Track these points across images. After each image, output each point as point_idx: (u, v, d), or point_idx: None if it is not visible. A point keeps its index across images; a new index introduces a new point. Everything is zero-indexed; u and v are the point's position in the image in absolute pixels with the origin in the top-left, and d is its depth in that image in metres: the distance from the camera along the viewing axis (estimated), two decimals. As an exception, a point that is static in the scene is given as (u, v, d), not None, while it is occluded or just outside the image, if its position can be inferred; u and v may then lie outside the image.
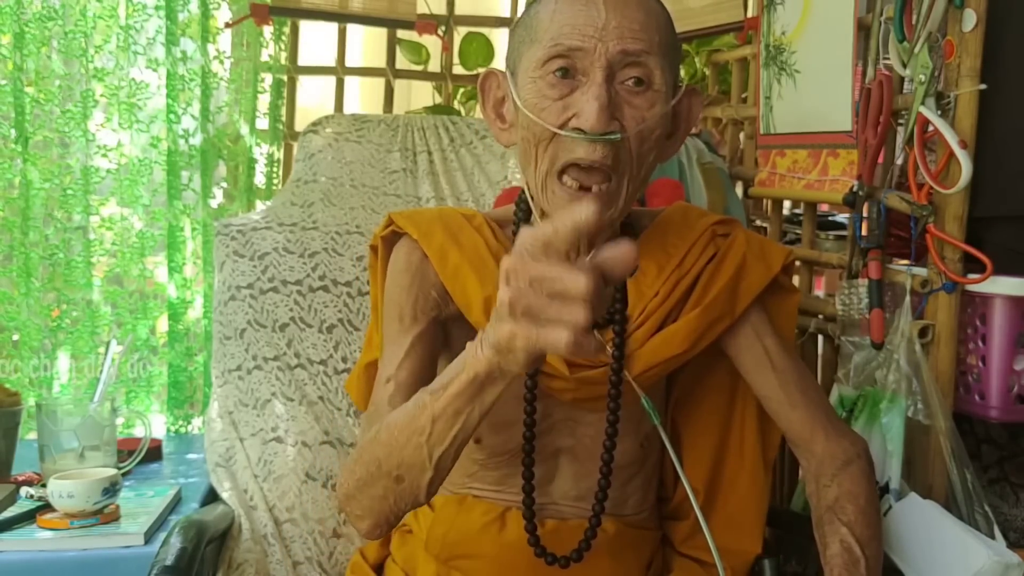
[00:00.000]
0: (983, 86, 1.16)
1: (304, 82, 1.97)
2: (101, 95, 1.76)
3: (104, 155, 1.78)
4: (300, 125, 1.91)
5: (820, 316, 1.45)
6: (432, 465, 0.81)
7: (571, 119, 0.93)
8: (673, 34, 0.98)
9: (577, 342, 0.60)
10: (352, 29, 1.97)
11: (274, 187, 1.93)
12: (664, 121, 0.97)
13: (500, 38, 1.98)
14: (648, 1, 0.96)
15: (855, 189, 1.30)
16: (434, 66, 2.01)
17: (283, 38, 1.91)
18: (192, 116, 1.82)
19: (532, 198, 1.03)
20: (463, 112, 2.01)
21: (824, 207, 1.70)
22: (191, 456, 1.64)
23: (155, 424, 1.68)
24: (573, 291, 0.59)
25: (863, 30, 1.35)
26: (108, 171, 1.78)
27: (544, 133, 0.94)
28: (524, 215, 1.07)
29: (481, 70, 1.94)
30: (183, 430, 1.84)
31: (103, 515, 1.24)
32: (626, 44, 0.92)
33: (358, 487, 0.89)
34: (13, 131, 1.71)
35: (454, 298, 1.04)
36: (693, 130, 1.68)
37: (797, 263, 1.48)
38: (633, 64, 0.93)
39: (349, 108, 2.00)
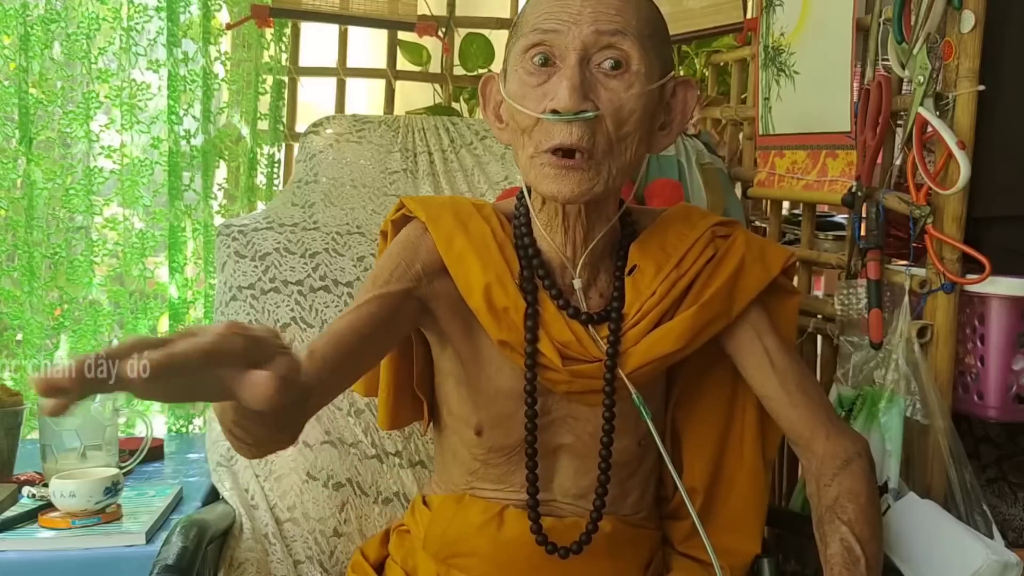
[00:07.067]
0: (982, 87, 1.17)
1: (305, 83, 1.98)
2: (104, 96, 1.77)
3: (108, 156, 1.79)
4: (301, 126, 1.92)
5: (819, 316, 1.45)
6: None
7: (549, 104, 0.95)
8: (656, 20, 1.00)
9: None
10: (353, 30, 1.98)
11: (274, 188, 1.93)
12: (646, 104, 0.98)
13: (500, 39, 1.99)
14: None
15: (854, 190, 1.30)
16: (435, 67, 2.01)
17: (284, 39, 1.92)
18: (193, 117, 1.82)
19: (528, 192, 1.05)
20: (466, 109, 2.02)
21: (823, 208, 1.70)
22: (192, 456, 1.64)
23: (156, 424, 1.68)
24: None
25: (862, 31, 1.35)
26: (111, 171, 1.79)
27: (527, 120, 0.97)
28: (524, 211, 1.08)
29: (482, 71, 1.97)
30: (184, 430, 1.84)
31: (105, 514, 1.24)
32: (599, 25, 0.95)
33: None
34: (17, 131, 1.72)
35: (456, 282, 1.05)
36: (692, 131, 1.69)
37: (797, 264, 1.48)
38: (608, 47, 0.95)
39: (350, 109, 2.01)
